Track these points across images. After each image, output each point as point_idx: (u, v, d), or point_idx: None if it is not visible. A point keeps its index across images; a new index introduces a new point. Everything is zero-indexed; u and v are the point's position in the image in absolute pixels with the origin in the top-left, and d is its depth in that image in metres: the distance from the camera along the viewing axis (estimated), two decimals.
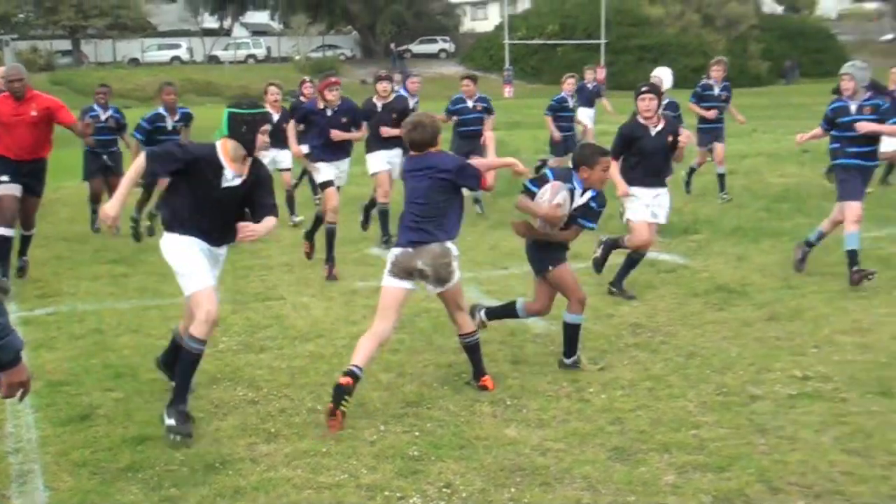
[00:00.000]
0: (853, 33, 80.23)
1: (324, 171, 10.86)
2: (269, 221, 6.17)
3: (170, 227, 6.19)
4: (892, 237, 11.60)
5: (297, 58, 69.97)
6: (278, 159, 13.59)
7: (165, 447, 5.83)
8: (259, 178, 6.23)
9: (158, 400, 6.65)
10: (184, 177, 6.03)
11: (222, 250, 6.36)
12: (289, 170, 14.03)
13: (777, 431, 5.93)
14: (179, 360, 6.06)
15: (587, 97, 20.01)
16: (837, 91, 10.14)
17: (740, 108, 15.67)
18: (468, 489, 5.23)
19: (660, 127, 9.28)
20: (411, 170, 6.72)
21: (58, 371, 7.38)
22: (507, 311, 7.73)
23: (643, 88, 9.43)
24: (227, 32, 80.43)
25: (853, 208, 9.46)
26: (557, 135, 16.29)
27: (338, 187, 10.92)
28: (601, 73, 24.51)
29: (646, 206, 9.34)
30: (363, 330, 6.79)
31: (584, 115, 19.48)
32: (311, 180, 14.05)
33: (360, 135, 11.41)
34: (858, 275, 9.32)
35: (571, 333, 7.24)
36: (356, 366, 6.26)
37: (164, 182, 12.20)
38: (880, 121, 9.44)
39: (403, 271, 6.50)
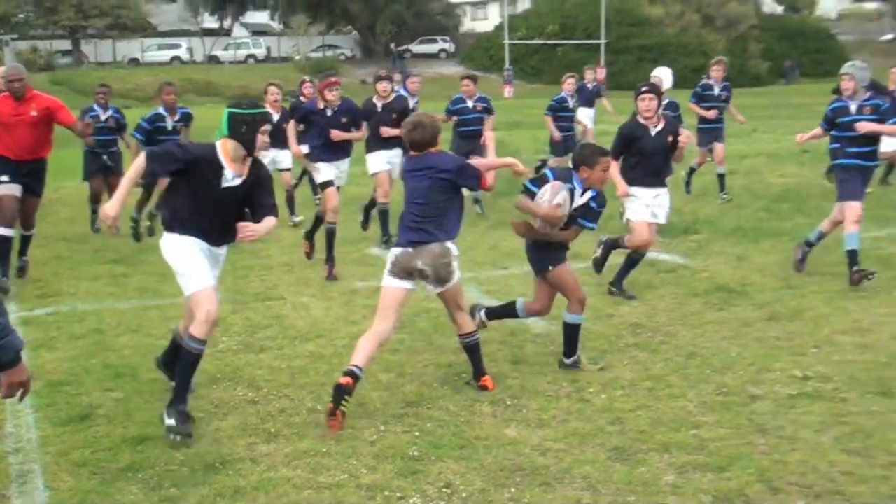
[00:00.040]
0: (853, 33, 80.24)
1: (324, 171, 10.85)
2: (269, 221, 6.16)
3: (170, 227, 6.18)
4: (892, 237, 11.60)
5: (297, 58, 69.98)
6: (278, 159, 13.59)
7: (165, 447, 5.83)
8: (259, 178, 6.23)
9: (158, 400, 6.65)
10: (184, 177, 6.03)
11: (222, 250, 6.35)
12: (289, 170, 14.03)
13: (777, 431, 5.93)
14: (179, 361, 6.05)
15: (587, 97, 19.99)
16: (837, 91, 10.14)
17: (740, 108, 15.68)
18: (468, 489, 5.23)
19: (660, 127, 9.29)
20: (411, 170, 6.73)
21: (58, 371, 7.38)
22: (507, 311, 7.73)
23: (643, 88, 9.43)
24: (227, 32, 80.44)
25: (853, 208, 9.46)
26: (557, 135, 16.28)
27: (338, 187, 10.91)
28: (601, 73, 24.52)
29: (646, 206, 9.34)
30: (363, 330, 6.79)
31: (585, 115, 19.47)
32: (311, 180, 14.04)
33: (360, 135, 11.40)
34: (859, 275, 9.31)
35: (571, 333, 7.24)
36: (356, 366, 6.26)
37: (164, 182, 12.23)
38: (880, 121, 9.44)
39: (403, 271, 6.50)
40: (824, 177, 16.68)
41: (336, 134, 10.83)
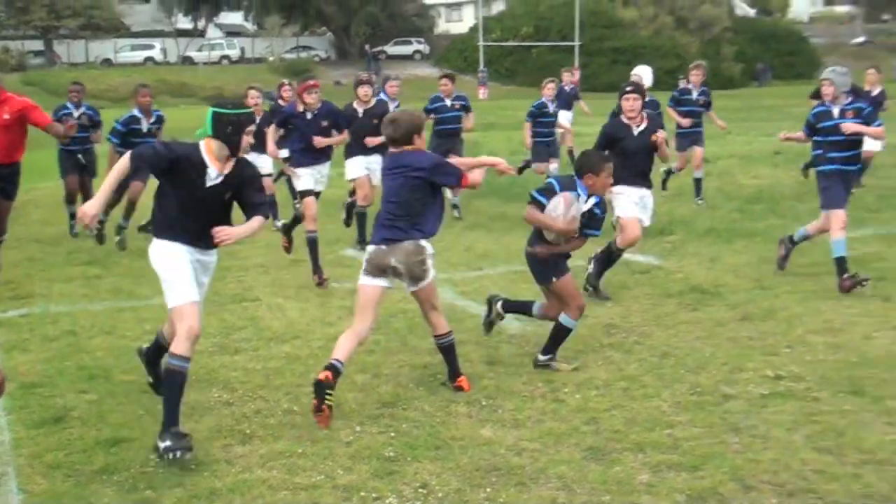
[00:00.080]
0: (824, 36, 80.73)
1: (303, 178, 10.71)
2: (253, 222, 6.05)
3: (158, 232, 6.08)
4: (865, 239, 11.68)
5: (272, 59, 69.82)
6: (258, 164, 13.43)
7: (140, 449, 5.81)
8: (245, 178, 6.11)
9: (133, 402, 6.65)
10: (168, 177, 5.95)
11: (212, 257, 6.21)
12: (269, 175, 13.86)
13: (750, 430, 5.97)
14: (165, 383, 5.86)
15: (565, 100, 19.97)
16: (816, 96, 10.20)
17: (714, 109, 15.73)
18: (444, 489, 5.25)
19: (643, 126, 9.31)
20: (387, 168, 6.75)
21: (31, 373, 7.34)
22: (523, 308, 7.73)
23: (627, 88, 9.44)
24: (201, 33, 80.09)
25: (838, 216, 9.45)
26: (529, 141, 16.19)
27: (318, 193, 10.84)
28: (576, 76, 24.49)
29: (634, 204, 9.35)
30: (339, 331, 6.80)
31: (563, 118, 19.46)
32: (290, 182, 13.92)
33: (342, 138, 11.26)
34: (850, 281, 9.25)
35: (560, 334, 7.29)
36: (337, 360, 6.29)
37: (135, 187, 12.20)
38: (864, 124, 9.47)
39: (377, 268, 6.53)
40: (801, 173, 16.81)
41: (319, 141, 10.67)
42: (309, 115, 10.76)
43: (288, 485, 5.32)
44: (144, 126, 12.54)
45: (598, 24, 70.16)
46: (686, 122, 14.82)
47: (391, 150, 6.77)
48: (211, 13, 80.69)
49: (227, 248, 10.96)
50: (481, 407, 6.51)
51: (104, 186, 5.96)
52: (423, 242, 6.56)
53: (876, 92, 15.80)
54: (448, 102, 14.12)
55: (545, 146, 15.85)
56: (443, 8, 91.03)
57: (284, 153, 11.30)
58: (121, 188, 12.02)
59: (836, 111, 9.59)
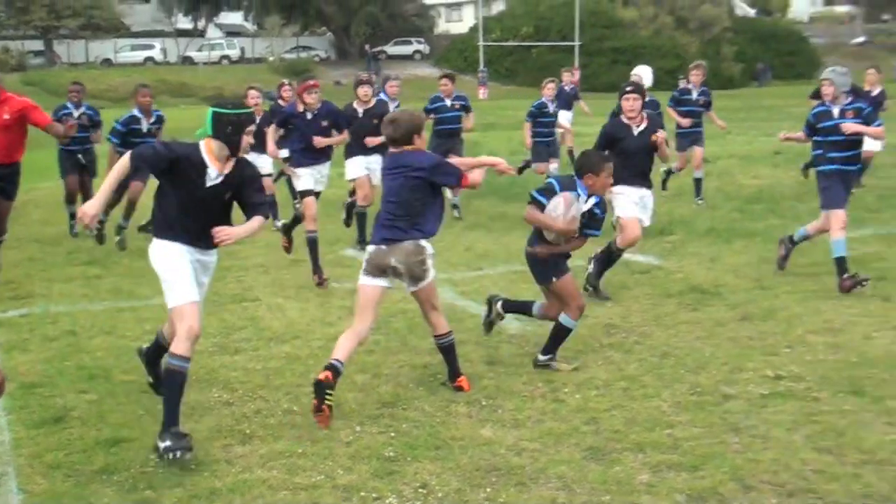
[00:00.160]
0: (824, 36, 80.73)
1: (304, 178, 10.68)
2: (253, 223, 6.03)
3: (158, 232, 6.06)
4: (864, 239, 11.68)
5: (272, 59, 69.82)
6: (258, 164, 13.41)
7: (140, 449, 5.81)
8: (245, 178, 6.08)
9: (133, 401, 6.65)
10: (168, 177, 5.93)
11: (212, 257, 6.19)
12: (269, 175, 13.84)
13: (750, 430, 5.98)
14: (165, 383, 5.84)
15: (565, 100, 19.97)
16: (816, 96, 10.18)
17: (714, 109, 15.73)
18: (444, 489, 5.25)
19: (643, 126, 9.29)
20: (387, 168, 6.75)
21: (31, 373, 7.34)
22: (522, 308, 7.73)
23: (627, 88, 9.43)
24: (201, 33, 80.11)
25: (838, 216, 9.44)
26: (529, 141, 16.21)
27: (318, 193, 10.81)
28: (576, 76, 24.47)
29: (634, 204, 9.34)
30: (339, 331, 6.80)
31: (563, 118, 19.46)
32: (290, 182, 13.86)
33: (342, 138, 11.23)
34: (850, 281, 9.23)
35: (560, 334, 7.29)
36: (337, 360, 6.29)
37: (135, 187, 12.18)
38: (864, 124, 9.46)
39: (377, 268, 6.54)
40: (801, 173, 16.80)
41: (319, 141, 10.64)
42: (309, 115, 10.71)
43: (288, 485, 5.33)
44: (144, 126, 12.52)
45: (598, 24, 70.16)
46: (686, 122, 14.81)
47: (391, 150, 6.78)
48: (211, 13, 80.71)
49: (227, 248, 10.97)
50: (481, 407, 6.51)
51: (104, 186, 5.94)
52: (423, 242, 6.56)
53: (876, 92, 15.80)
54: (448, 102, 14.12)
55: (545, 146, 15.84)
56: (443, 8, 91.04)
57: (284, 153, 11.26)
58: (121, 188, 11.97)
59: (836, 111, 9.58)
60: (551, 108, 15.89)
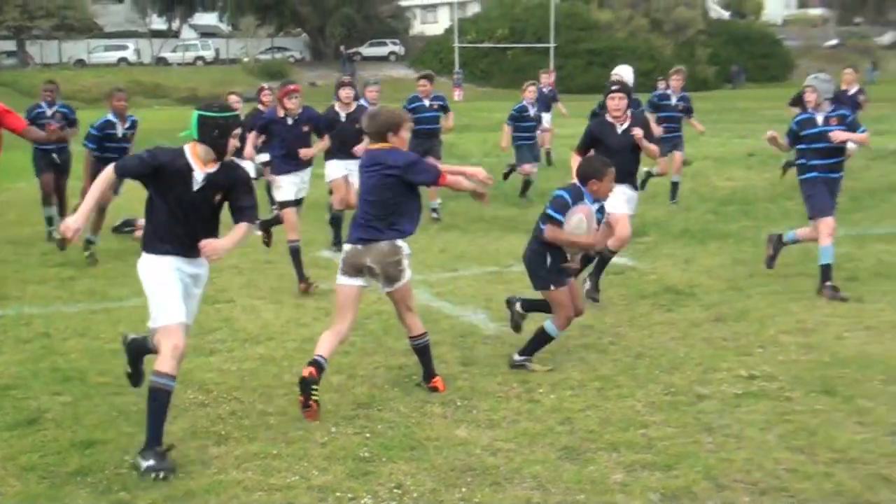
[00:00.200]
0: (798, 39, 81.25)
1: (284, 189, 10.49)
2: (238, 230, 5.93)
3: (148, 246, 5.94)
4: (835, 240, 11.74)
5: (246, 60, 69.64)
6: None
7: (115, 450, 5.79)
8: (235, 180, 6.00)
9: (107, 403, 6.62)
10: (155, 184, 5.84)
11: (202, 268, 6.08)
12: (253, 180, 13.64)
13: (723, 430, 6.02)
14: (150, 401, 5.69)
15: (545, 102, 20.03)
16: (795, 103, 10.15)
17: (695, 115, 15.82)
18: (419, 489, 5.26)
19: (626, 125, 9.25)
20: (364, 165, 6.76)
21: (5, 375, 7.30)
22: (542, 305, 7.63)
23: (613, 87, 9.37)
24: (176, 34, 79.80)
25: (826, 223, 9.40)
26: (505, 144, 16.27)
27: (300, 200, 10.65)
28: (552, 77, 24.54)
29: (623, 202, 9.29)
30: (314, 332, 6.81)
31: (544, 120, 19.53)
32: (268, 187, 13.68)
33: (324, 145, 11.18)
34: (832, 292, 9.21)
35: (541, 338, 7.33)
36: (320, 356, 6.32)
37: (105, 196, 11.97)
38: (848, 131, 9.44)
39: (353, 268, 6.55)
40: (781, 171, 16.87)
41: (305, 153, 10.49)
42: (290, 121, 10.51)
43: (263, 486, 5.32)
44: (119, 131, 12.29)
45: (573, 26, 70.38)
46: (660, 130, 14.80)
47: (369, 146, 6.79)
48: (185, 14, 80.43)
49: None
50: (456, 407, 6.52)
51: (87, 199, 5.83)
52: (399, 242, 6.57)
53: (853, 91, 15.85)
54: (426, 103, 14.10)
55: (528, 148, 15.97)
56: (418, 9, 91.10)
57: (265, 157, 11.12)
58: (101, 210, 11.70)
59: (819, 118, 9.52)
60: (532, 111, 15.95)
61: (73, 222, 5.72)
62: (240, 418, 6.37)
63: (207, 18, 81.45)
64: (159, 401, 5.64)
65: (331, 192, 12.89)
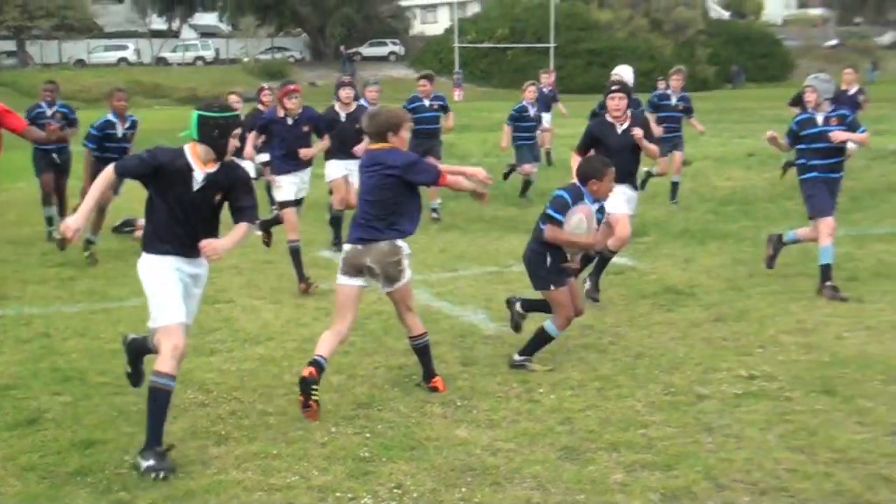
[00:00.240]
0: (798, 39, 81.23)
1: (284, 189, 10.48)
2: (238, 230, 5.93)
3: (148, 246, 5.93)
4: (835, 240, 11.73)
5: (246, 60, 69.63)
6: None
7: (115, 450, 5.80)
8: (236, 180, 5.99)
9: (107, 403, 6.62)
10: (155, 184, 5.83)
11: (202, 268, 6.08)
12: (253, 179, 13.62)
13: (723, 430, 6.02)
14: (150, 401, 5.69)
15: (545, 102, 20.02)
16: (795, 103, 10.12)
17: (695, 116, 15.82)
18: (419, 489, 5.26)
19: (626, 125, 9.24)
20: (364, 165, 6.76)
21: (5, 375, 7.30)
22: (541, 306, 7.64)
23: (613, 87, 9.34)
24: (176, 34, 79.80)
25: (826, 223, 9.39)
26: (505, 144, 16.27)
27: (300, 200, 10.64)
28: (552, 77, 24.54)
29: (623, 202, 9.29)
30: (314, 332, 6.81)
31: (543, 120, 19.53)
32: (268, 187, 13.67)
33: (324, 145, 11.18)
34: (831, 291, 9.21)
35: (541, 338, 7.33)
36: (320, 356, 6.32)
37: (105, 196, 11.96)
38: (848, 131, 9.44)
39: (353, 268, 6.55)
40: (781, 170, 16.86)
41: (306, 153, 10.48)
42: (290, 121, 10.49)
43: (263, 486, 5.32)
44: (119, 131, 12.26)
45: (573, 26, 70.37)
46: (660, 130, 14.79)
47: (369, 146, 6.79)
48: (185, 14, 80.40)
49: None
50: (456, 407, 6.52)
51: (87, 199, 5.84)
52: (399, 242, 6.57)
53: (853, 91, 15.84)
54: (426, 103, 14.09)
55: (529, 148, 15.98)
56: (418, 9, 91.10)
57: (265, 157, 11.11)
58: (101, 210, 11.69)
59: (819, 118, 9.52)
60: (532, 111, 15.95)
61: (73, 222, 5.72)
62: (240, 418, 6.37)
63: (207, 18, 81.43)
64: (159, 401, 5.64)
65: (331, 192, 12.88)
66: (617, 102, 9.18)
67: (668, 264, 10.91)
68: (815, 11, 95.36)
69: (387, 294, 6.74)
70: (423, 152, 12.05)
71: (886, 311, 8.68)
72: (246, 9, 73.26)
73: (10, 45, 68.45)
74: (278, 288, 10.14)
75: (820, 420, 6.13)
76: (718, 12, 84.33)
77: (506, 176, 17.43)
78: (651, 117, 14.84)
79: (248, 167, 12.82)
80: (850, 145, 10.55)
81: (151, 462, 5.49)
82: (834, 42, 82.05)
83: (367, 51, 74.55)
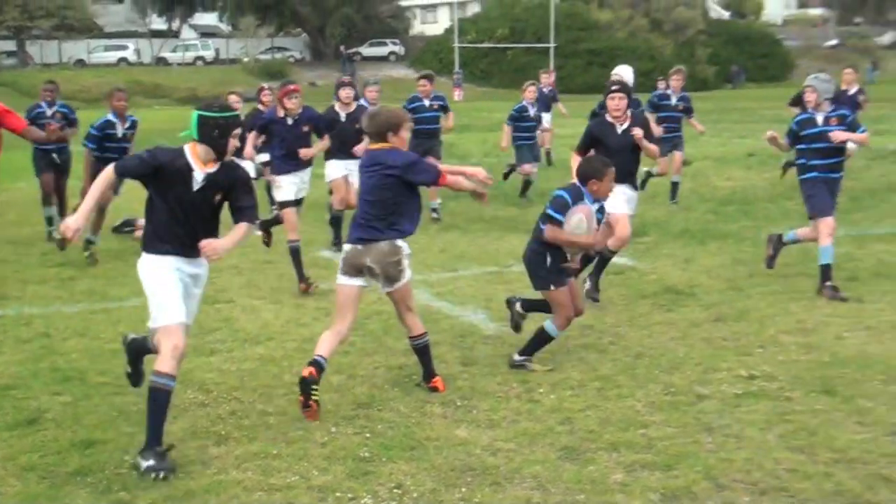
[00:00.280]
0: (798, 39, 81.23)
1: (284, 189, 10.46)
2: (238, 230, 5.92)
3: (148, 246, 5.92)
4: (835, 240, 11.74)
5: (246, 60, 69.62)
6: None
7: (115, 450, 5.79)
8: (236, 180, 5.98)
9: (107, 403, 6.62)
10: (155, 184, 5.83)
11: (202, 268, 6.07)
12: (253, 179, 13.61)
13: (723, 430, 6.02)
14: (150, 401, 5.68)
15: (545, 102, 20.02)
16: (795, 103, 10.12)
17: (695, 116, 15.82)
18: (419, 489, 5.26)
19: (626, 125, 9.23)
20: (364, 165, 6.76)
21: (5, 375, 7.30)
22: (541, 306, 7.63)
23: (613, 87, 9.33)
24: (176, 34, 79.79)
25: (826, 223, 9.39)
26: (505, 144, 16.27)
27: (300, 200, 10.63)
28: (552, 77, 24.54)
29: (623, 202, 9.27)
30: (314, 332, 6.81)
31: (543, 120, 19.52)
32: (268, 187, 13.67)
33: (324, 145, 11.17)
34: (832, 291, 9.20)
35: (541, 338, 7.33)
36: (320, 356, 6.33)
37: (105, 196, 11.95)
38: (848, 131, 9.43)
39: (353, 268, 6.55)
40: (781, 171, 16.86)
41: (306, 153, 10.47)
42: (290, 121, 10.47)
43: (263, 486, 5.32)
44: (119, 131, 12.24)
45: (573, 26, 70.37)
46: (660, 130, 14.78)
47: (369, 146, 6.79)
48: (185, 14, 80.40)
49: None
50: (456, 407, 6.52)
51: (87, 199, 5.83)
52: (399, 242, 6.56)
53: (853, 91, 15.84)
54: (426, 103, 14.08)
55: (529, 148, 15.98)
56: (418, 9, 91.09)
57: (265, 157, 11.09)
58: (101, 210, 11.68)
59: (819, 118, 9.51)
60: (532, 111, 15.94)
61: (73, 222, 5.71)
62: (240, 418, 6.37)
63: (207, 18, 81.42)
64: (159, 401, 5.64)
65: (331, 192, 12.88)
66: (617, 102, 9.17)
67: (668, 264, 10.91)
68: (815, 11, 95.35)
69: (387, 294, 6.74)
70: (423, 152, 12.05)
71: (886, 311, 8.69)
72: (246, 9, 73.26)
73: (10, 45, 68.45)
74: (278, 288, 10.14)
75: (820, 420, 6.13)
76: (718, 12, 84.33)
77: (506, 176, 17.44)
78: (651, 117, 14.83)
79: (248, 167, 12.81)
80: (850, 145, 10.56)
81: (151, 462, 5.49)
82: (834, 42, 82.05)
83: (367, 51, 74.54)
